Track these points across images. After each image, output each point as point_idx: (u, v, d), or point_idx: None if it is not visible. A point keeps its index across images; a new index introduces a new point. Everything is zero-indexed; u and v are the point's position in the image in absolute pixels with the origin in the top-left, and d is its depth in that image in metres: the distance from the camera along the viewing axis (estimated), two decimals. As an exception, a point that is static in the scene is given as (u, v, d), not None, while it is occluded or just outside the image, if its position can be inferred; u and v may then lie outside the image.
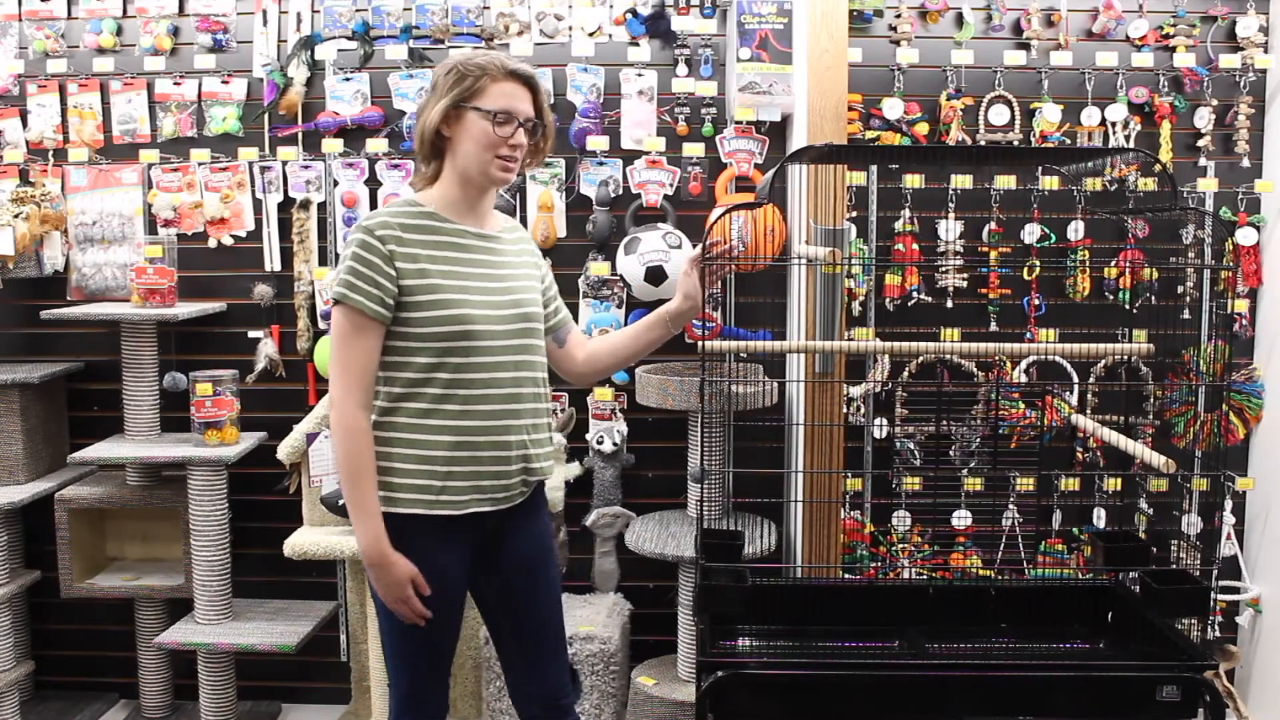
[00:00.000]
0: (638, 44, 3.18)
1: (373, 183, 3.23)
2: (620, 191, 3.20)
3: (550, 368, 2.15)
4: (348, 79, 3.20)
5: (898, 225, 3.12)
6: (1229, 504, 3.18)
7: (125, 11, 3.26)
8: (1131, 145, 3.11)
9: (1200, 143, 3.14)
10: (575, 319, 3.20)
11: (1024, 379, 3.09)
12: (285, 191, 3.25)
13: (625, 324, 3.18)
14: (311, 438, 2.82)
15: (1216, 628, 3.11)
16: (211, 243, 3.28)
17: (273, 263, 3.28)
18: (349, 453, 1.89)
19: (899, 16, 3.11)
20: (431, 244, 1.95)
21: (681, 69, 3.16)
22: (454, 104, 1.94)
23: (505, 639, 2.13)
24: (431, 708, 2.04)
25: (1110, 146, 3.11)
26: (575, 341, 2.22)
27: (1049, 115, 3.10)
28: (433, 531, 1.95)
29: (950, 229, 3.13)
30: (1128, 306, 3.14)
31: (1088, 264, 3.13)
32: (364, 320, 1.90)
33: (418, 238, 1.94)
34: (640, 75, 3.17)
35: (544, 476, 2.08)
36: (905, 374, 3.11)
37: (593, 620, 2.99)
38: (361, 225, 1.93)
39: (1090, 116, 3.12)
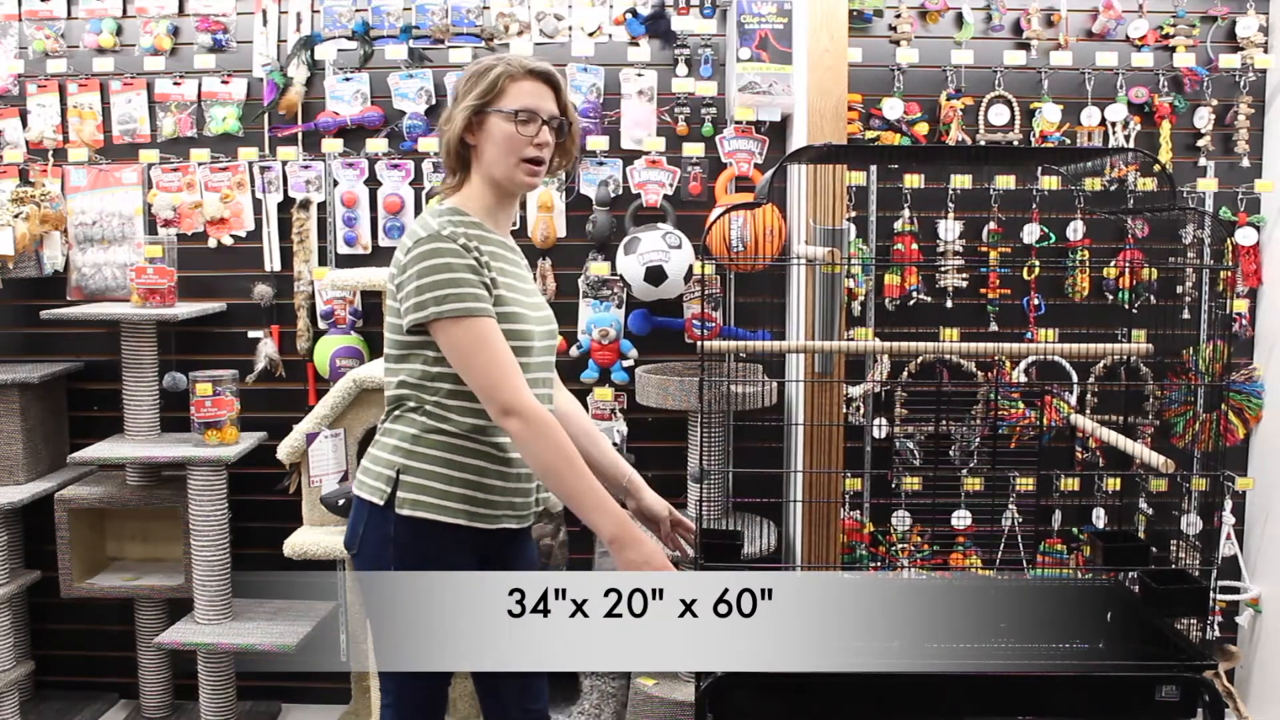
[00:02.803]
0: (638, 44, 3.18)
1: (372, 183, 3.23)
2: (620, 191, 3.20)
3: None
4: (348, 79, 3.20)
5: (898, 225, 3.12)
6: (1229, 504, 3.18)
7: (125, 11, 3.26)
8: (1131, 145, 3.11)
9: (1200, 143, 3.14)
10: (575, 319, 3.20)
11: (1024, 379, 3.09)
12: (285, 191, 3.25)
13: (625, 324, 3.18)
14: (311, 437, 2.82)
15: (1216, 628, 3.11)
16: (211, 243, 3.28)
17: (273, 263, 3.28)
18: (559, 450, 1.80)
19: (899, 16, 3.11)
20: (489, 253, 1.88)
21: (681, 69, 3.16)
22: (475, 109, 1.87)
23: None
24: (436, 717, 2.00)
25: (1110, 146, 3.11)
26: None
27: (1049, 115, 3.10)
28: (463, 545, 1.90)
29: (950, 229, 3.13)
30: (1127, 306, 3.14)
31: (1087, 264, 3.13)
32: (488, 321, 1.82)
33: (482, 246, 1.86)
34: (640, 75, 3.17)
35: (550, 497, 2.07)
36: (905, 374, 3.11)
37: (593, 620, 2.98)
38: (434, 235, 1.82)
39: (1090, 116, 3.12)
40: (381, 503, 1.89)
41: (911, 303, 3.14)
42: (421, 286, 1.81)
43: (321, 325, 3.27)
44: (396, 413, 1.93)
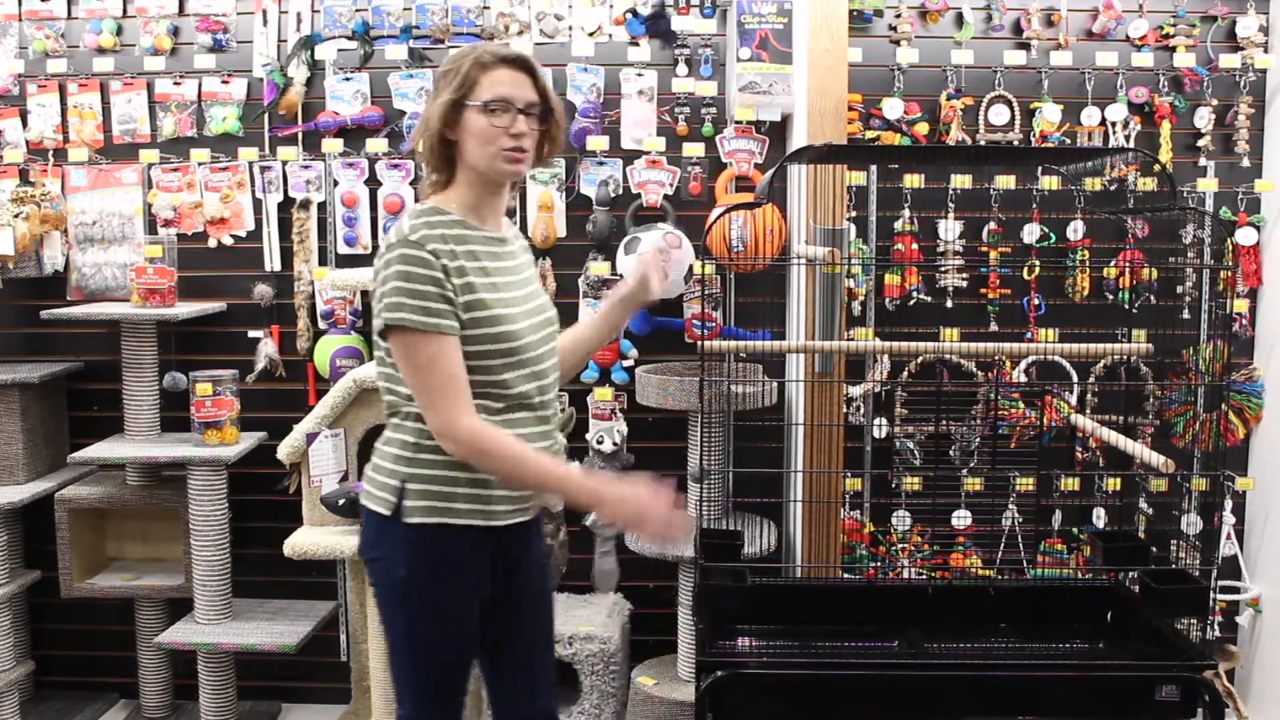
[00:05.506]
0: (638, 44, 3.18)
1: (373, 183, 3.23)
2: (620, 191, 3.20)
3: None
4: (348, 79, 3.20)
5: (898, 225, 3.12)
6: (1229, 504, 3.18)
7: (125, 11, 3.26)
8: (1131, 145, 3.11)
9: (1200, 143, 3.14)
10: (575, 318, 3.20)
11: (1024, 379, 3.09)
12: (285, 191, 3.25)
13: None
14: (311, 437, 2.82)
15: (1216, 628, 3.11)
16: (211, 243, 3.28)
17: (273, 263, 3.28)
18: (505, 460, 1.82)
19: (899, 16, 3.11)
20: (468, 254, 1.85)
21: (681, 69, 3.16)
22: (451, 105, 1.84)
23: (505, 658, 2.05)
24: None
25: (1110, 146, 3.11)
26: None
27: (1049, 115, 3.10)
28: (475, 545, 1.90)
29: (950, 229, 3.13)
30: (1127, 306, 3.14)
31: (1088, 264, 3.13)
32: (441, 338, 1.80)
33: (459, 248, 1.84)
34: (640, 75, 3.17)
35: None
36: (905, 374, 3.11)
37: (593, 620, 2.99)
38: (402, 240, 1.80)
39: (1090, 116, 3.11)
40: (389, 513, 1.89)
41: (911, 303, 3.14)
42: (383, 293, 1.81)
43: (321, 325, 3.27)
44: (395, 420, 1.93)
